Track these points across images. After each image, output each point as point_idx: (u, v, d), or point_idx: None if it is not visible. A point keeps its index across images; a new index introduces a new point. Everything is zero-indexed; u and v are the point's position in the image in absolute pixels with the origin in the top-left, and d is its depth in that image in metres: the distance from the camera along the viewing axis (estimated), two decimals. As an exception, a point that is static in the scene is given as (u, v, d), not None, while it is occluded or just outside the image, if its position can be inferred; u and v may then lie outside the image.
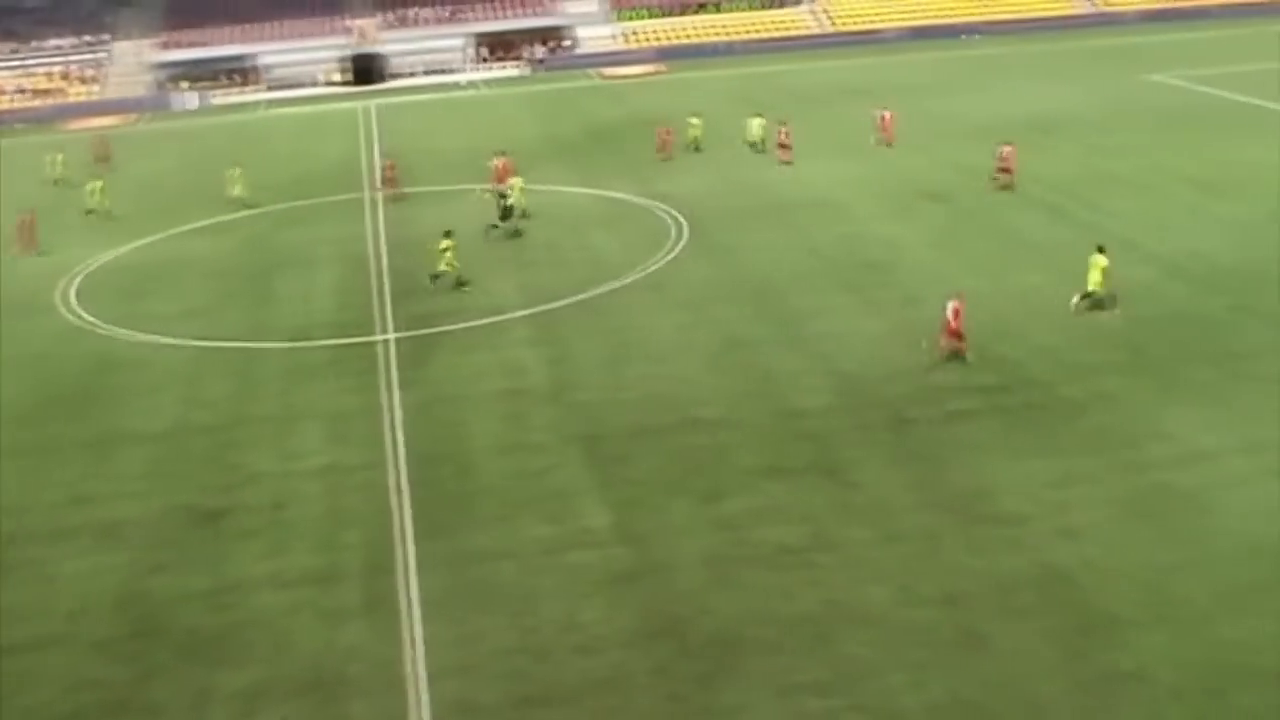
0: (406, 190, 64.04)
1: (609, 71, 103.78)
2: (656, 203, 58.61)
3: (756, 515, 29.65)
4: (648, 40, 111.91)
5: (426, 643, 25.38)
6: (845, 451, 32.76)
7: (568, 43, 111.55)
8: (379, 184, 64.87)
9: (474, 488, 31.88)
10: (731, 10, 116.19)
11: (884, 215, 55.06)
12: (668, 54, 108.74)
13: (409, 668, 24.64)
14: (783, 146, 65.81)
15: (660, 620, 25.74)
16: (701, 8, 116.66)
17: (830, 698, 23.05)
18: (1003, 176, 58.28)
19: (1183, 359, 37.30)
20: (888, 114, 70.27)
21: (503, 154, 62.67)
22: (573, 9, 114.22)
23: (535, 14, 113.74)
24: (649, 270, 48.43)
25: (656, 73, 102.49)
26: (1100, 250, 41.57)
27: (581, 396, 37.22)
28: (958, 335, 37.92)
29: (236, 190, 63.71)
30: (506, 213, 54.78)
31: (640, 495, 30.95)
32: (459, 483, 32.22)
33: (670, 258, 49.92)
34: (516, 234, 54.87)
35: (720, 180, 62.86)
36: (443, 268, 46.97)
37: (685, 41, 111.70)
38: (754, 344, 40.47)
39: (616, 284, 46.73)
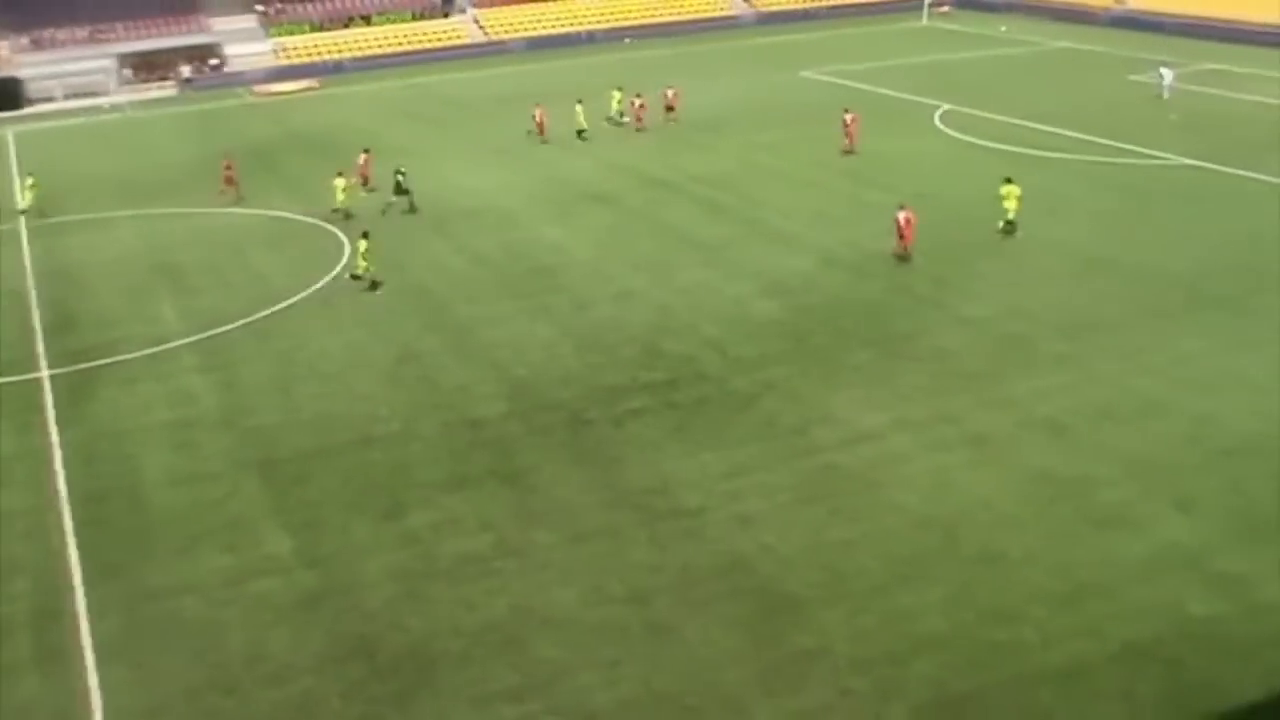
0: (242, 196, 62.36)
1: (262, 89, 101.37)
2: (323, 221, 57.48)
3: (439, 528, 29.65)
4: (303, 56, 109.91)
5: (105, 689, 24.49)
6: (524, 457, 33.01)
7: (217, 61, 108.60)
8: (221, 187, 62.18)
9: (148, 523, 30.90)
10: (388, 23, 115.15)
11: (549, 219, 55.59)
12: (322, 69, 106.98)
13: (89, 717, 23.74)
14: (638, 118, 72.50)
15: (349, 642, 25.49)
16: (361, 20, 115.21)
17: (525, 703, 23.25)
18: (846, 143, 62.75)
19: (844, 344, 38.87)
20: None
21: (366, 151, 64.62)
22: (223, 26, 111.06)
23: (184, 32, 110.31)
24: (318, 288, 47.65)
25: (311, 89, 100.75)
26: (1009, 180, 47.23)
27: (254, 421, 36.46)
28: (906, 240, 44.74)
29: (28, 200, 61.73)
30: (399, 189, 58.69)
31: (321, 517, 30.55)
32: (131, 519, 31.16)
33: (340, 275, 49.15)
34: (411, 209, 57.41)
35: (387, 194, 62.19)
36: (361, 266, 46.73)
37: (341, 56, 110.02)
38: (427, 356, 40.34)
39: (285, 304, 45.82)
